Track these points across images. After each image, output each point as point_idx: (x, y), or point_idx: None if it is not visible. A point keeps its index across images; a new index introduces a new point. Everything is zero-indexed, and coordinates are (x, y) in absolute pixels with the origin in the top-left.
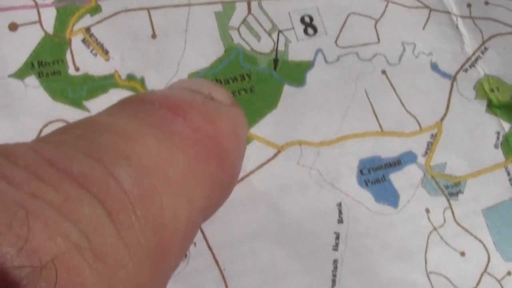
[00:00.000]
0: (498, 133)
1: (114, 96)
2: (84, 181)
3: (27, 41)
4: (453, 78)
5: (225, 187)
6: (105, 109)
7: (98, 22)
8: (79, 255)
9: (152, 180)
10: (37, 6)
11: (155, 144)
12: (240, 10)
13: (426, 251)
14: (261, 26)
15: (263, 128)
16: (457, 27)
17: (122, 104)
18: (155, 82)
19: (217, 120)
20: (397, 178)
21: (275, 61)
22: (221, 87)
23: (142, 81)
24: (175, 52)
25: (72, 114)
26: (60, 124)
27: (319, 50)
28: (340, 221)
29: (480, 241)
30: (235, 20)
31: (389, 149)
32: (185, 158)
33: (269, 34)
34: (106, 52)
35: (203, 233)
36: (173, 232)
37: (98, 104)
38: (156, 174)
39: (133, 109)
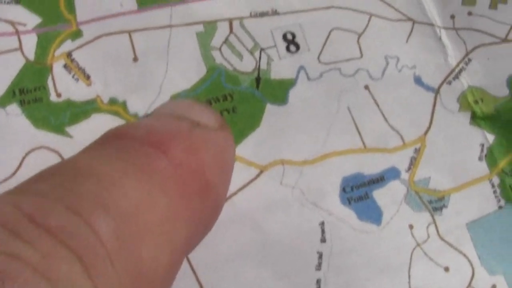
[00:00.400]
0: (482, 145)
1: (96, 120)
2: (63, 235)
3: (8, 69)
4: (437, 91)
5: (209, 219)
6: (86, 148)
7: (79, 47)
8: None
9: (132, 228)
10: (17, 33)
11: (135, 187)
12: (222, 29)
13: (410, 267)
14: (243, 45)
15: (246, 148)
16: (440, 39)
17: (103, 142)
18: (138, 105)
19: (201, 151)
20: (380, 195)
21: (258, 80)
22: (208, 109)
23: (124, 105)
24: (157, 75)
25: (55, 141)
26: (42, 151)
27: (301, 67)
28: (323, 240)
29: (464, 255)
30: (216, 40)
31: (372, 165)
32: (166, 199)
33: (251, 53)
34: (88, 77)
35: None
36: (153, 278)
37: (80, 130)
38: (135, 221)
39: (114, 148)
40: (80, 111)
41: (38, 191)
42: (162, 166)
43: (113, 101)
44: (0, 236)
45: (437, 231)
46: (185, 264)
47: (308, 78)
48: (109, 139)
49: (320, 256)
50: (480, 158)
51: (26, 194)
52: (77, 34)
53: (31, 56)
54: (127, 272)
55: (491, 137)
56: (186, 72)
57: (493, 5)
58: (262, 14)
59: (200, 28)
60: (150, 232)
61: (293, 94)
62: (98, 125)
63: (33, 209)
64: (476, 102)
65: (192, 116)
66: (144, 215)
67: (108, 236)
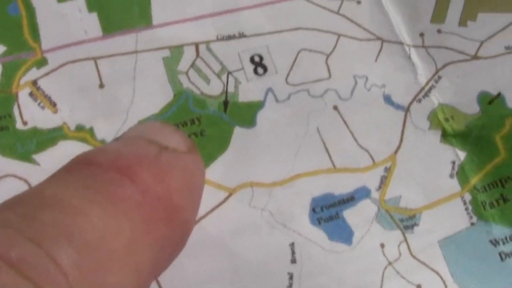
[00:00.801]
0: (454, 162)
1: (63, 148)
2: (23, 267)
3: None
4: (407, 109)
5: (177, 243)
6: (51, 176)
7: (44, 75)
8: None
9: (95, 257)
10: None
11: (100, 215)
12: (188, 53)
13: (381, 286)
14: (210, 69)
15: (214, 171)
16: (409, 57)
17: (69, 169)
18: (105, 131)
19: (169, 175)
20: (350, 215)
21: (225, 103)
22: (177, 132)
23: (91, 131)
24: (124, 100)
25: (22, 169)
26: (9, 180)
27: (269, 90)
28: (293, 261)
29: (437, 273)
30: (183, 64)
31: (342, 185)
32: (132, 226)
33: (219, 76)
34: (54, 104)
35: (157, 280)
36: None
37: (47, 157)
38: (99, 250)
39: (80, 175)
40: (46, 138)
41: (2, 221)
42: (128, 193)
43: (80, 128)
44: None
45: (409, 249)
46: None
47: (276, 100)
48: (75, 166)
49: (291, 277)
50: (451, 176)
51: None
52: (42, 62)
53: None
54: None
55: (462, 154)
56: (153, 97)
57: (462, 22)
58: (229, 37)
59: (166, 53)
60: (114, 259)
61: (261, 117)
62: (65, 152)
63: None
64: (446, 119)
65: (160, 139)
66: (109, 243)
67: (70, 267)
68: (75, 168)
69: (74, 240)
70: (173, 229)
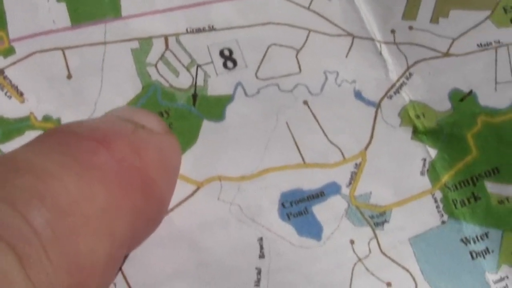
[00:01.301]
0: (424, 160)
1: (30, 138)
2: None
3: None
4: (378, 106)
5: (152, 217)
6: (27, 143)
7: (12, 64)
8: None
9: (68, 220)
10: None
11: (74, 180)
12: (157, 46)
13: (351, 283)
14: (179, 62)
15: (183, 164)
16: (381, 53)
17: (44, 138)
18: None
19: (144, 150)
20: (320, 210)
21: (194, 96)
22: (154, 115)
23: (58, 122)
24: (92, 92)
25: None
26: None
27: (238, 84)
28: (262, 256)
29: (407, 270)
30: (152, 56)
31: (311, 181)
32: (106, 192)
33: (188, 69)
34: (21, 94)
35: (123, 273)
36: (91, 270)
37: (14, 147)
38: (73, 213)
39: (55, 143)
40: (13, 128)
41: None
42: (103, 161)
43: (47, 118)
44: None
45: (379, 246)
46: (122, 282)
47: (246, 94)
48: (50, 134)
49: (259, 272)
50: (422, 173)
51: None
52: (10, 51)
53: None
54: (63, 263)
55: (433, 152)
56: (122, 88)
57: (434, 19)
58: (199, 30)
59: (135, 44)
60: (88, 224)
61: (230, 110)
62: None
63: None
64: (417, 116)
65: (136, 119)
66: (82, 208)
67: (43, 228)
68: (50, 136)
69: (47, 202)
70: (149, 202)
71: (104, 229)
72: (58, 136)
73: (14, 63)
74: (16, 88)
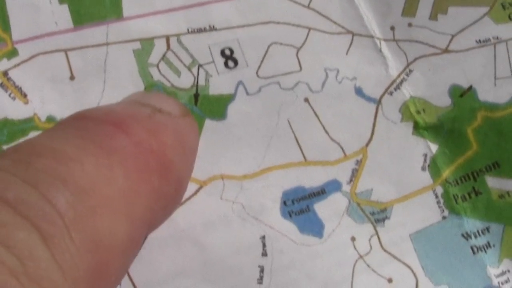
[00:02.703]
0: (425, 155)
1: None
2: (20, 207)
3: None
4: (378, 102)
5: (171, 199)
6: (46, 130)
7: (15, 66)
8: (14, 279)
9: (89, 201)
10: None
11: (93, 163)
12: (159, 46)
13: (352, 280)
14: (181, 62)
15: None
16: (380, 50)
17: (63, 124)
18: None
19: (162, 132)
20: (321, 208)
21: (196, 96)
22: (172, 98)
23: None
24: (94, 93)
25: None
26: None
27: (240, 83)
28: (264, 254)
29: (408, 266)
30: (154, 57)
31: (313, 178)
32: (125, 174)
33: (189, 69)
34: (25, 95)
35: (128, 272)
36: (111, 250)
37: None
38: (93, 195)
39: (74, 127)
40: (17, 129)
41: None
42: (121, 144)
43: (50, 119)
44: None
45: (380, 242)
46: (126, 281)
47: (247, 93)
48: (69, 120)
49: (262, 270)
50: (423, 168)
51: None
52: (13, 53)
53: None
54: (85, 244)
55: (434, 147)
56: (124, 89)
57: (433, 16)
58: (200, 30)
59: (137, 45)
60: (108, 205)
61: (232, 109)
62: None
63: None
64: (418, 112)
65: (153, 103)
66: (102, 190)
67: (65, 208)
68: (68, 122)
69: (69, 184)
70: (167, 183)
71: (124, 210)
72: (76, 121)
73: (17, 64)
74: (20, 90)
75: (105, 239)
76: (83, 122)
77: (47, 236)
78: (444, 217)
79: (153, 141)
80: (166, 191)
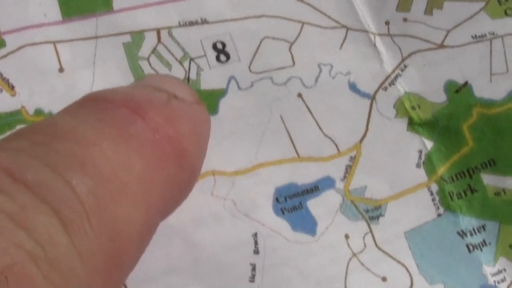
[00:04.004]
0: (420, 151)
1: None
2: (40, 190)
3: None
4: (372, 98)
5: (184, 187)
6: (65, 108)
7: (2, 57)
8: (33, 264)
9: (108, 187)
10: None
11: (112, 148)
12: (150, 39)
13: (346, 278)
14: (172, 55)
15: None
16: (375, 45)
17: (81, 104)
18: None
19: (178, 120)
20: (314, 205)
21: None
22: (185, 85)
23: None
24: (84, 85)
25: None
26: None
27: (232, 77)
28: (256, 252)
29: (402, 264)
30: (144, 50)
31: (306, 175)
32: (142, 161)
33: (181, 63)
34: (12, 88)
35: None
36: (128, 237)
37: None
38: (112, 181)
39: (93, 109)
40: (4, 122)
41: (17, 147)
42: (139, 129)
43: (38, 112)
44: None
45: (374, 240)
46: None
47: (239, 88)
48: (87, 100)
49: (254, 268)
50: (418, 165)
51: (4, 149)
52: (0, 44)
53: None
54: (104, 230)
55: (429, 144)
56: (114, 82)
57: (428, 11)
58: (191, 23)
59: (127, 38)
60: (126, 192)
61: (224, 104)
62: None
63: (10, 163)
64: (413, 108)
65: (169, 88)
66: (121, 176)
67: (86, 194)
68: (87, 102)
69: (89, 169)
70: (182, 171)
71: (140, 197)
72: (94, 103)
73: (5, 56)
74: (7, 82)
75: (122, 227)
76: (101, 104)
77: (67, 221)
78: (439, 215)
79: (170, 128)
80: (180, 179)
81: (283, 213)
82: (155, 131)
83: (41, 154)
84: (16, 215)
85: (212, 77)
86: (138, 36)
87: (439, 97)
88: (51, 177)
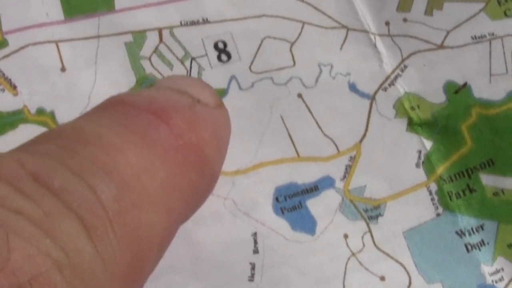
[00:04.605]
0: (420, 151)
1: (24, 131)
2: (65, 196)
3: None
4: (372, 98)
5: (204, 193)
6: (90, 112)
7: (5, 57)
8: (57, 271)
9: (131, 195)
10: None
11: (136, 154)
12: (151, 39)
13: (344, 277)
14: (173, 54)
15: None
16: (375, 45)
17: (104, 108)
18: (66, 115)
19: (201, 125)
20: (314, 205)
21: None
22: (209, 87)
23: (52, 115)
24: (86, 85)
25: None
26: None
27: (233, 77)
28: (256, 251)
29: (401, 264)
30: (146, 50)
31: (305, 175)
32: (165, 168)
33: (182, 62)
34: (14, 87)
35: None
36: (149, 244)
37: (7, 141)
38: (136, 188)
39: (117, 114)
40: (6, 122)
41: (43, 151)
42: (163, 135)
43: (40, 112)
44: (3, 191)
45: (373, 240)
46: None
47: (240, 88)
48: (111, 104)
49: (253, 267)
50: (417, 165)
51: (31, 153)
52: (2, 43)
53: None
54: (126, 237)
55: (428, 144)
56: (115, 82)
57: (428, 11)
58: (193, 23)
59: (129, 37)
60: (148, 198)
61: (225, 104)
62: (25, 135)
63: (37, 168)
64: (412, 108)
65: (192, 92)
66: (144, 182)
67: (109, 201)
68: (111, 106)
69: (113, 176)
70: (203, 177)
71: (162, 203)
72: (117, 107)
73: (7, 55)
74: (9, 81)
75: (144, 233)
76: (125, 108)
77: (90, 228)
78: (438, 214)
79: (193, 134)
80: (201, 186)
81: (282, 212)
82: (178, 137)
83: (67, 159)
84: (42, 222)
85: (213, 76)
86: (139, 35)
87: (439, 97)
88: (77, 183)
